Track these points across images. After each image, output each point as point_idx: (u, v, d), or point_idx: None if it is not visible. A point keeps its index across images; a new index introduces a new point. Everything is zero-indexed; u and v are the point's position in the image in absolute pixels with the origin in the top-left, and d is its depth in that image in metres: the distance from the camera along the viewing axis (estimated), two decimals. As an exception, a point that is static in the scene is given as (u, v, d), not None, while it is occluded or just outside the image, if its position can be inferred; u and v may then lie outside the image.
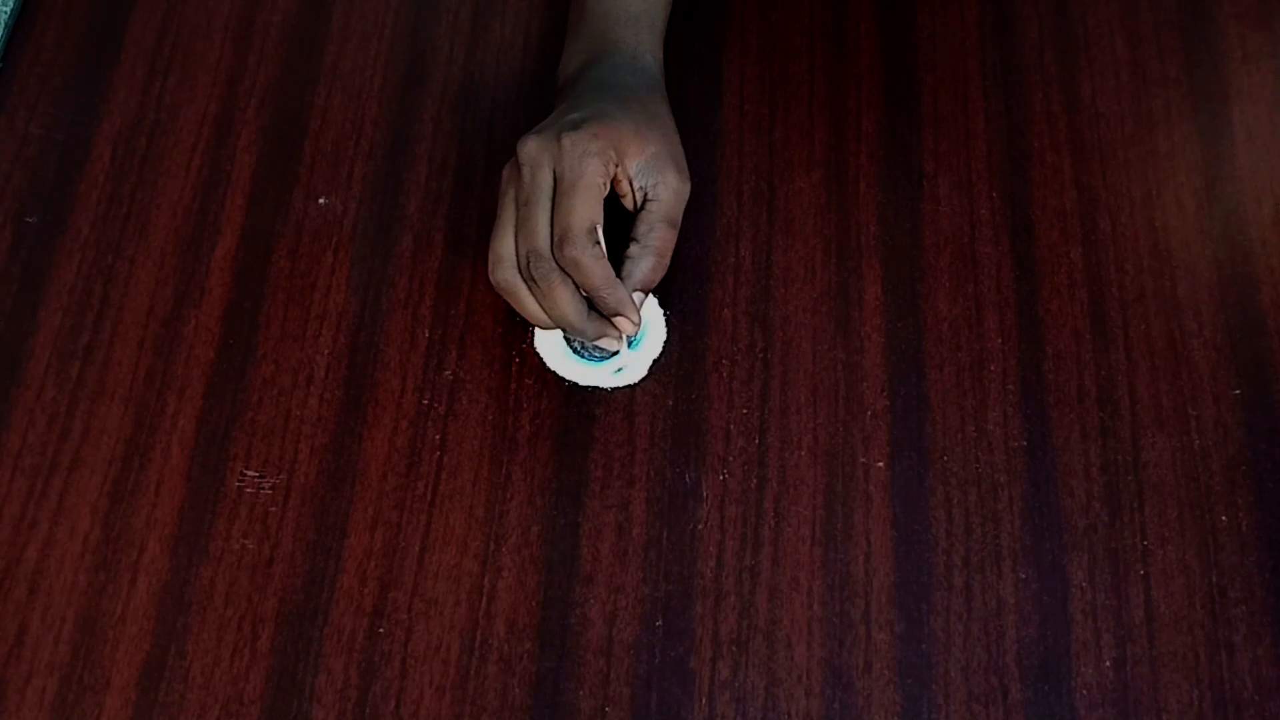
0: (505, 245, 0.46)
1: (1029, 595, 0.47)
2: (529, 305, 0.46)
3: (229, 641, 0.46)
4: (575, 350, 0.50)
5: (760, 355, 0.51)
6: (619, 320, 0.46)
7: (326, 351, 0.51)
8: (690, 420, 0.50)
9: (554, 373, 0.50)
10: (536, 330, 0.50)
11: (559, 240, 0.45)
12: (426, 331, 0.51)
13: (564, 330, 0.48)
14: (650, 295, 0.51)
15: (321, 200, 0.54)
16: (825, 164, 0.55)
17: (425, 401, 0.50)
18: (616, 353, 0.50)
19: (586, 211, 0.45)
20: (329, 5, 0.59)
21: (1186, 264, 0.54)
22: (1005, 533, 0.48)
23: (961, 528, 0.48)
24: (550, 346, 0.50)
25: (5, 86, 0.56)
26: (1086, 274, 0.53)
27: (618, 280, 0.46)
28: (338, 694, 0.45)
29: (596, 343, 0.48)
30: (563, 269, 0.45)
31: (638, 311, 0.47)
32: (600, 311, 0.47)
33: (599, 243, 0.45)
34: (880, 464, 0.49)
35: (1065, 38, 0.59)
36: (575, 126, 0.45)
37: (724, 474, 0.49)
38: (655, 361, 0.50)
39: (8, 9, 0.58)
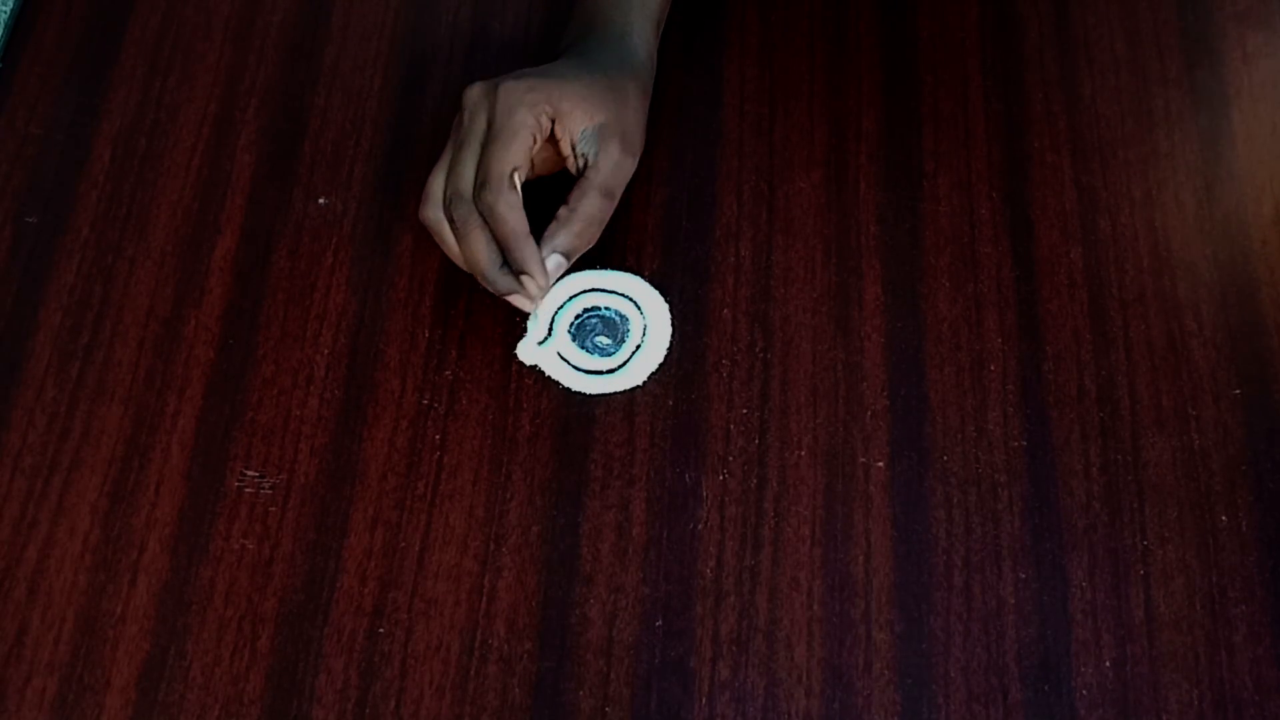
0: (435, 184, 0.48)
1: (1029, 595, 0.47)
2: (450, 244, 0.48)
3: (229, 641, 0.46)
4: (582, 346, 0.50)
5: (760, 355, 0.51)
6: (524, 279, 0.47)
7: (326, 351, 0.51)
8: (690, 420, 0.50)
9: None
10: (521, 346, 0.50)
11: (480, 184, 0.46)
12: (426, 331, 0.51)
13: (476, 278, 0.48)
14: (661, 300, 0.51)
15: (321, 200, 0.54)
16: (825, 164, 0.55)
17: (425, 401, 0.50)
18: (613, 352, 0.50)
19: (509, 157, 0.46)
20: (329, 5, 0.59)
21: (1186, 264, 0.54)
22: (1005, 533, 0.48)
23: (961, 528, 0.48)
24: (541, 355, 0.50)
25: (5, 86, 0.56)
26: (1086, 274, 0.53)
27: (529, 237, 0.47)
28: (338, 694, 0.45)
29: (508, 297, 0.48)
30: (482, 215, 0.46)
31: (545, 275, 0.47)
32: (509, 265, 0.47)
33: (516, 190, 0.46)
34: (880, 464, 0.49)
35: (1065, 38, 0.59)
36: (517, 77, 0.47)
37: (724, 474, 0.49)
38: (660, 365, 0.50)
39: (8, 9, 0.58)
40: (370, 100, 0.57)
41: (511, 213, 0.46)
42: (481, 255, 0.47)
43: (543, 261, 0.47)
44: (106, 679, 0.45)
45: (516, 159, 0.46)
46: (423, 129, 0.56)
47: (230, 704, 0.45)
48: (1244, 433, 0.50)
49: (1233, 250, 0.54)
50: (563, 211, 0.48)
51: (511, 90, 0.47)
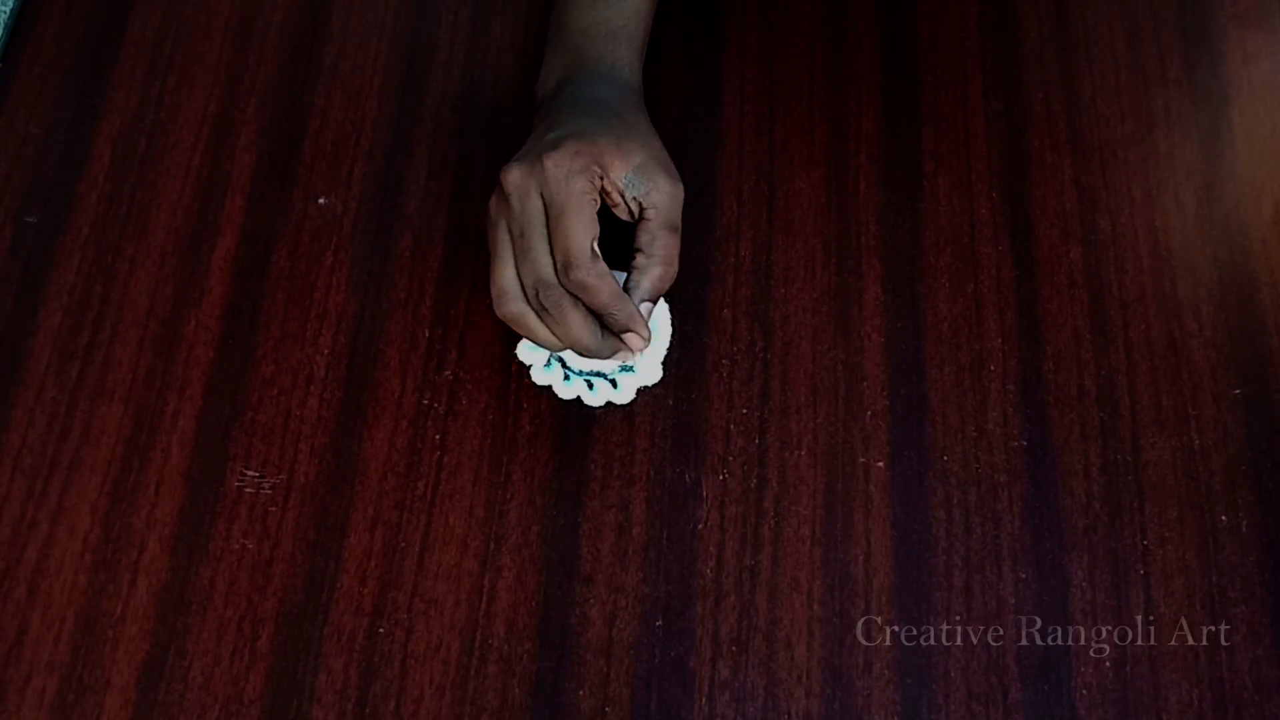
0: (507, 278, 0.46)
1: (1029, 595, 0.47)
2: (540, 333, 0.46)
3: (229, 641, 0.46)
4: (567, 375, 0.50)
5: (760, 355, 0.51)
6: (628, 337, 0.46)
7: (326, 351, 0.51)
8: (690, 420, 0.50)
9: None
10: (521, 346, 0.50)
11: (563, 265, 0.45)
12: (426, 331, 0.51)
13: (578, 351, 0.47)
14: (664, 304, 0.51)
15: (321, 200, 0.54)
16: (825, 164, 0.55)
17: (425, 401, 0.50)
18: (605, 375, 0.50)
19: (583, 231, 0.44)
20: (329, 5, 0.59)
21: (1186, 264, 0.54)
22: (1005, 533, 0.48)
23: (961, 528, 0.48)
24: (537, 362, 0.50)
25: (5, 86, 0.56)
26: (1086, 274, 0.53)
27: (625, 295, 0.46)
28: (338, 694, 0.45)
29: (613, 357, 0.47)
30: (571, 293, 0.45)
31: (647, 326, 0.47)
32: (610, 329, 0.46)
33: (600, 258, 0.45)
34: (880, 464, 0.49)
35: (1065, 38, 0.59)
36: (555, 147, 0.45)
37: (724, 474, 0.49)
38: (663, 366, 0.50)
39: (7, 9, 0.58)
40: (370, 100, 0.57)
41: (603, 281, 0.45)
42: (584, 332, 0.45)
43: (643, 315, 0.46)
44: (106, 679, 0.45)
45: (590, 229, 0.45)
46: (423, 129, 0.56)
47: (230, 704, 0.45)
48: (1244, 433, 0.50)
49: (1233, 250, 0.54)
50: (640, 259, 0.47)
51: (559, 162, 0.45)
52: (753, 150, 0.56)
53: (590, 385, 0.50)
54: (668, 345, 0.50)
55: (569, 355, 0.50)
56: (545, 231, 0.45)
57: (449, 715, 0.45)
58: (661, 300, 0.51)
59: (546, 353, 0.50)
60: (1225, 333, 0.52)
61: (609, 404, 0.50)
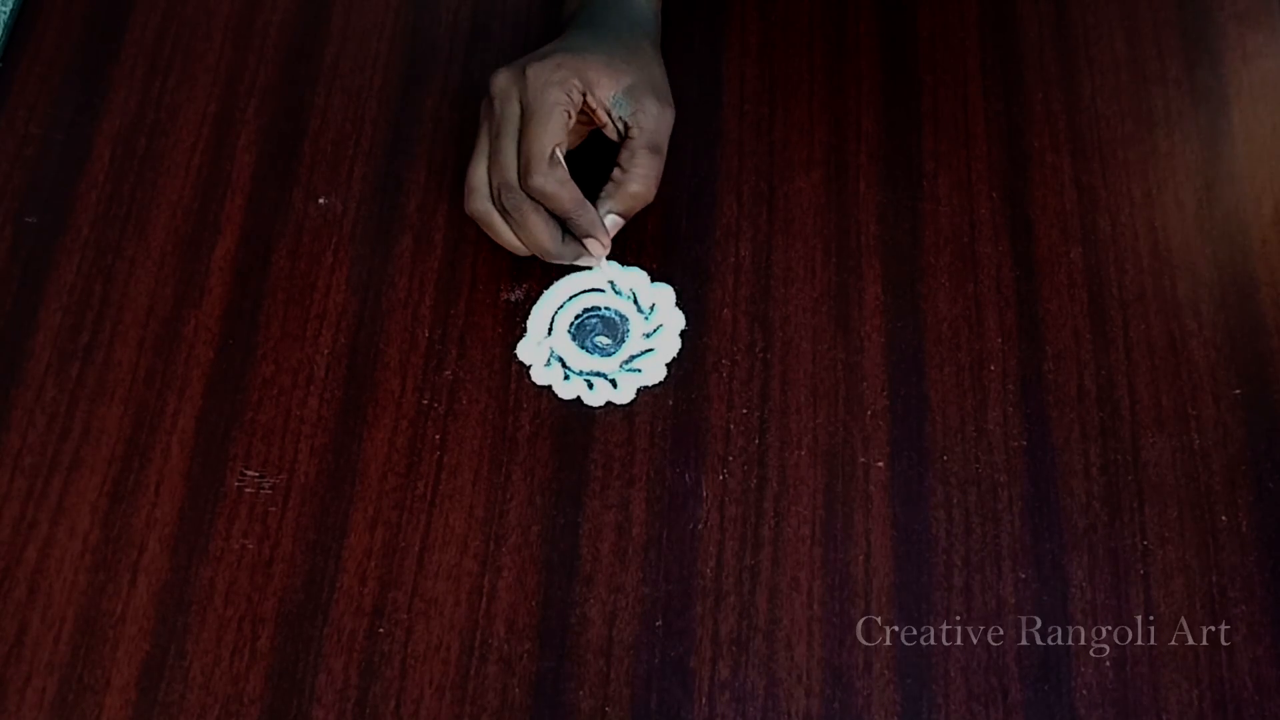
0: (478, 176, 0.48)
1: (1029, 595, 0.47)
2: (504, 234, 0.48)
3: (229, 641, 0.46)
4: (582, 346, 0.50)
5: (760, 355, 0.51)
6: (589, 242, 0.48)
7: (326, 351, 0.51)
8: (690, 420, 0.50)
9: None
10: (521, 346, 0.50)
11: (524, 169, 0.46)
12: (426, 331, 0.51)
13: (540, 256, 0.49)
14: (677, 311, 0.51)
15: (321, 200, 0.54)
16: (825, 164, 0.55)
17: (425, 401, 0.50)
18: (613, 352, 0.50)
19: (547, 138, 0.46)
20: (329, 5, 0.59)
21: (1186, 264, 0.54)
22: (1005, 533, 0.48)
23: (961, 528, 0.48)
24: (537, 361, 0.50)
25: (5, 86, 0.56)
26: (1086, 274, 0.53)
27: (586, 201, 0.48)
28: (338, 694, 0.45)
29: (575, 261, 0.49)
30: (532, 197, 0.47)
31: (608, 234, 0.48)
32: (573, 234, 0.48)
33: (561, 165, 0.46)
34: (880, 464, 0.49)
35: (1065, 38, 0.59)
36: (542, 58, 0.47)
37: (724, 474, 0.49)
38: (668, 370, 0.50)
39: (7, 9, 0.58)
40: (370, 100, 0.57)
41: (563, 188, 0.47)
42: (543, 236, 0.47)
43: (603, 223, 0.48)
44: (106, 679, 0.45)
45: (555, 137, 0.47)
46: (423, 129, 0.56)
47: (230, 704, 0.45)
48: (1244, 433, 0.50)
49: (1233, 250, 0.54)
50: (616, 173, 0.49)
51: (539, 71, 0.47)
52: (753, 150, 0.56)
53: (590, 385, 0.50)
54: (677, 348, 0.51)
55: (569, 354, 0.50)
56: (517, 135, 0.47)
57: (449, 715, 0.45)
58: (675, 305, 0.51)
59: (547, 352, 0.50)
60: (1225, 333, 0.52)
61: (609, 404, 0.50)
